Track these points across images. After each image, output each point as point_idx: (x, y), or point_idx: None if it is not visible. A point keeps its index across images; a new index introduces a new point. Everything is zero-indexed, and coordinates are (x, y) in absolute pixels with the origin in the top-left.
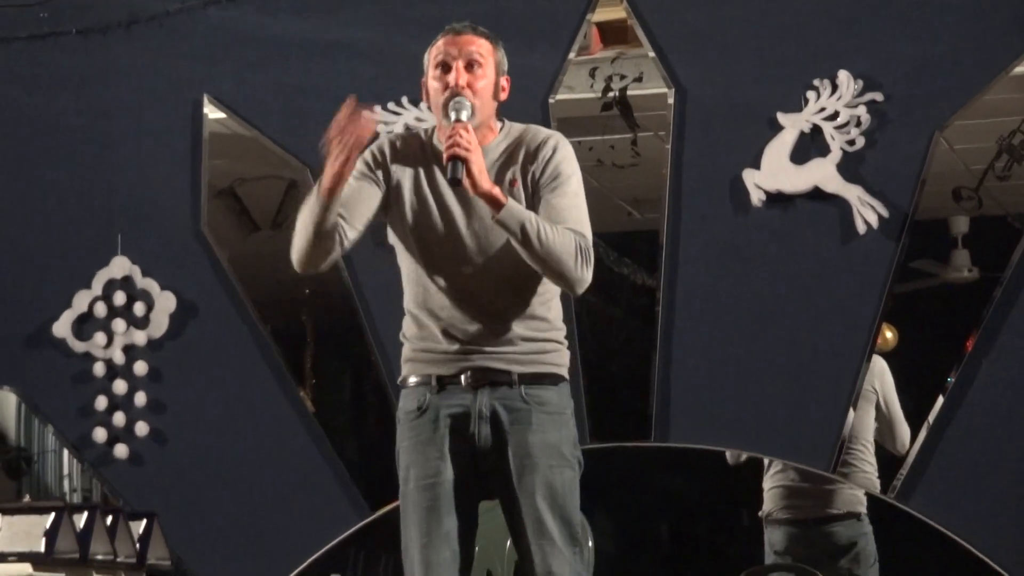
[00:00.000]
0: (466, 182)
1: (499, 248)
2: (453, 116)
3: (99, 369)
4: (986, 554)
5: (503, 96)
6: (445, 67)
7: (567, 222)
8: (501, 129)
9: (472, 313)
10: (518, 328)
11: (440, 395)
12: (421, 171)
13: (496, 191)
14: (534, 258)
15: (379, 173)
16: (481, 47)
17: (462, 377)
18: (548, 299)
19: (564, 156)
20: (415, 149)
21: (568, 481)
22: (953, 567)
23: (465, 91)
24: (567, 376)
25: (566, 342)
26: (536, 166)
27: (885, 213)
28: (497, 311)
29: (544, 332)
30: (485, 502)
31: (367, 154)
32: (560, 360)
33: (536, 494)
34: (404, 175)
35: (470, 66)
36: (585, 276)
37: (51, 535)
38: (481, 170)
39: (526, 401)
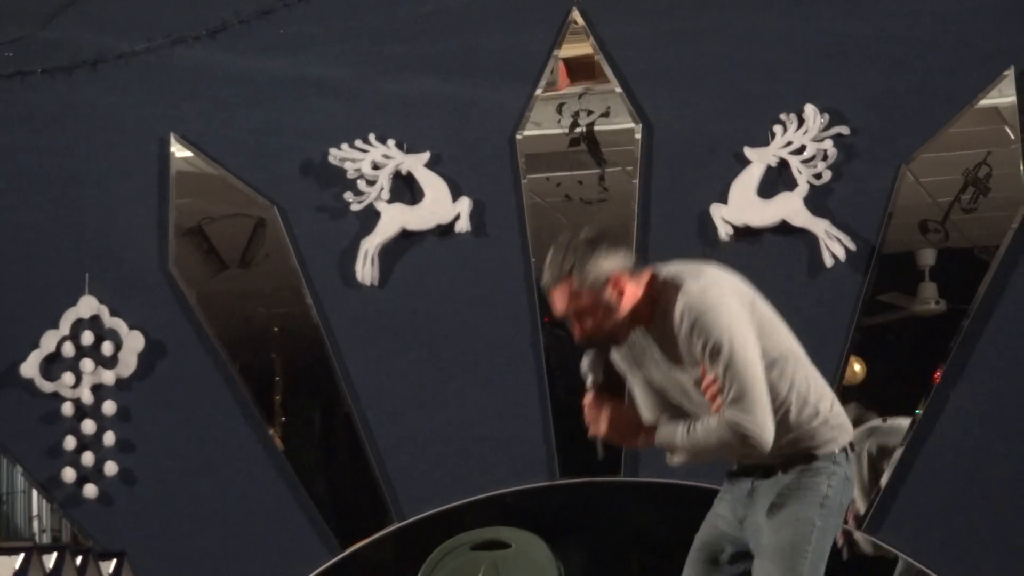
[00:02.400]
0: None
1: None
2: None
3: (67, 409)
4: None
5: (624, 296)
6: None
7: (728, 394)
8: (649, 296)
9: None
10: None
11: (729, 483)
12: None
13: (639, 439)
14: (701, 457)
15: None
16: (573, 292)
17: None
18: (782, 409)
19: (701, 325)
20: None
21: (799, 535)
22: None
23: (589, 343)
24: (826, 452)
25: (822, 420)
26: (681, 340)
27: (852, 246)
28: None
29: (790, 433)
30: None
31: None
32: (811, 444)
33: (762, 554)
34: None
35: (579, 315)
36: (746, 448)
37: (21, 575)
38: (620, 435)
39: (781, 475)
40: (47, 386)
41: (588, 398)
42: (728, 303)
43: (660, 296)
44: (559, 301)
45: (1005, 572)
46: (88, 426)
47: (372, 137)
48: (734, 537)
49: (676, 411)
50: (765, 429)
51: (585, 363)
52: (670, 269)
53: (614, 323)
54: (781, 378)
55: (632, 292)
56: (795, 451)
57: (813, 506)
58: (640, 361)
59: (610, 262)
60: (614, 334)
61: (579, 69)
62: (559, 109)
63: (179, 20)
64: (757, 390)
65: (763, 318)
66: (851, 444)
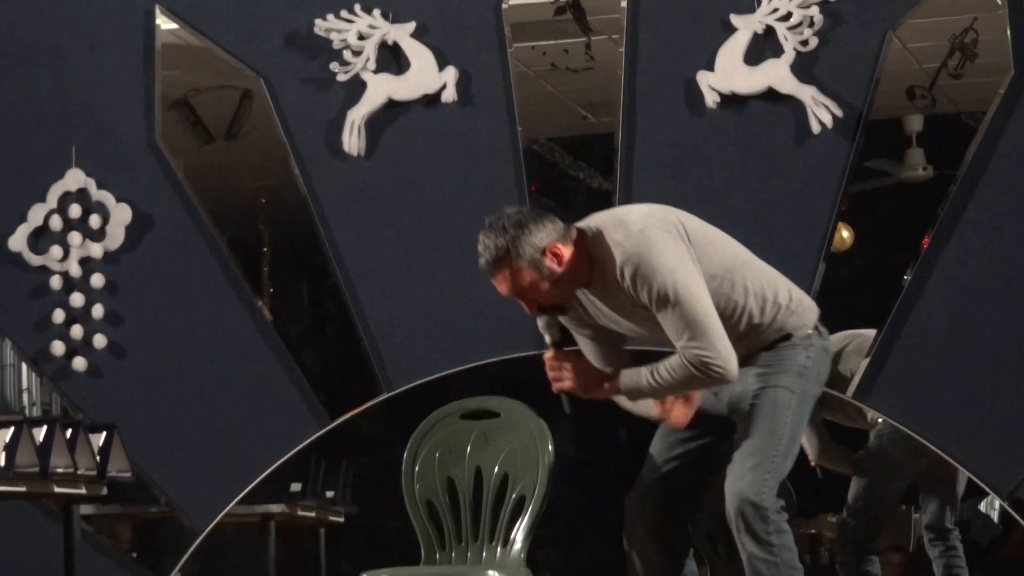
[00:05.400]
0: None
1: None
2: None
3: (56, 282)
4: (942, 449)
5: (559, 264)
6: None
7: (680, 339)
8: (584, 255)
9: None
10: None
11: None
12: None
13: (605, 387)
14: (667, 395)
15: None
16: (510, 273)
17: None
18: (745, 315)
19: (642, 275)
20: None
21: (779, 400)
22: None
23: (541, 313)
24: (801, 335)
25: (785, 310)
26: (631, 292)
27: (839, 113)
28: None
29: (759, 333)
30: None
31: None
32: (782, 334)
33: (745, 419)
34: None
35: (524, 292)
36: (713, 380)
37: (10, 449)
38: (585, 387)
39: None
40: (35, 259)
41: (548, 355)
42: (661, 244)
43: (595, 252)
44: (501, 285)
45: (993, 436)
46: (77, 299)
47: (357, 7)
48: (711, 408)
49: (627, 354)
50: (728, 360)
51: (540, 324)
52: (595, 222)
53: (560, 291)
54: (734, 288)
55: (569, 256)
56: (771, 341)
57: (792, 374)
58: (587, 318)
59: (541, 234)
60: (562, 301)
61: None
62: None
63: None
64: (712, 324)
65: (698, 239)
66: (820, 319)
